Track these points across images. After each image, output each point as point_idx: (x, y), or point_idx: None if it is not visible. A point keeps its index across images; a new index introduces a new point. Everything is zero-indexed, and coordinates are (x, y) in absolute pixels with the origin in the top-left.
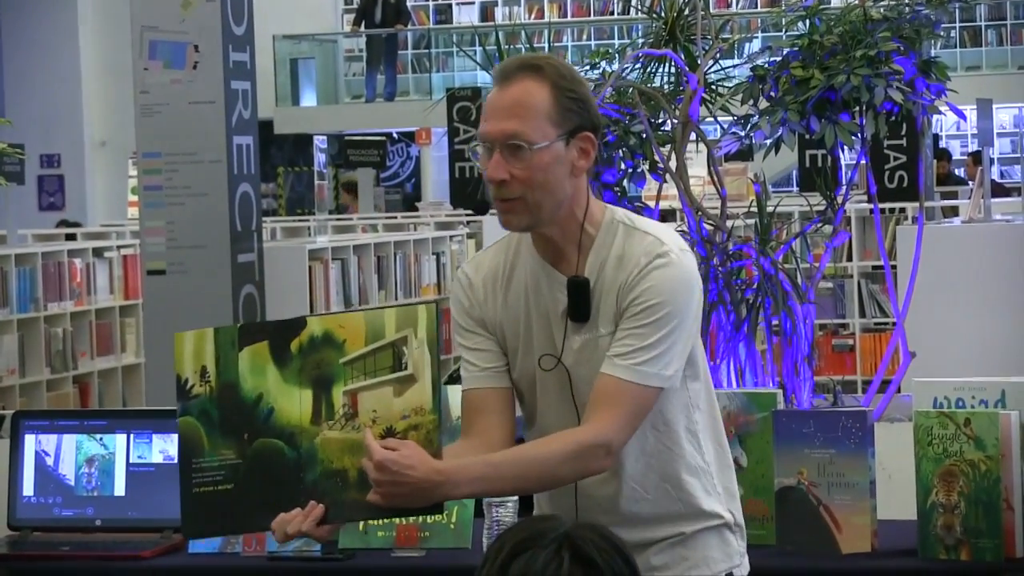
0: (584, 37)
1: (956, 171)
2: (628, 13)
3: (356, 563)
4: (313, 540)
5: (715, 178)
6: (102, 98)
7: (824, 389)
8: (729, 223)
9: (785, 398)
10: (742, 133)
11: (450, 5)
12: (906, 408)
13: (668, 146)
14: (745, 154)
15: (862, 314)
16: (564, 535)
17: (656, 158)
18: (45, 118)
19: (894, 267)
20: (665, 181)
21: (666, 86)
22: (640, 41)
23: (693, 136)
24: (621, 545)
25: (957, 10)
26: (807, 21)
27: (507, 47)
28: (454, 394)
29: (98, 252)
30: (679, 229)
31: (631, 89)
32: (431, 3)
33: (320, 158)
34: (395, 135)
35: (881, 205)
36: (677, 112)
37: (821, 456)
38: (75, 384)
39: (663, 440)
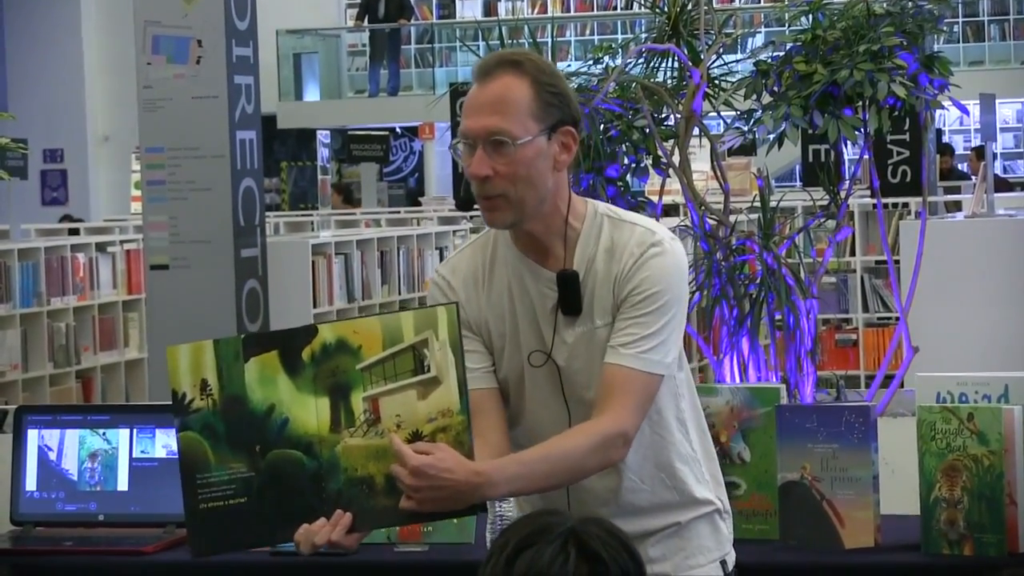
0: (587, 32)
1: (959, 166)
2: (631, 8)
3: (359, 558)
4: (341, 550)
5: (718, 173)
6: (105, 93)
7: (827, 384)
8: (732, 218)
9: (788, 393)
10: (745, 128)
11: (453, 0)
12: (909, 403)
13: (671, 141)
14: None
15: (865, 309)
16: (570, 530)
17: (659, 153)
18: (48, 113)
19: (897, 262)
20: (668, 176)
21: (669, 81)
22: (643, 36)
23: (696, 131)
24: (626, 540)
25: (960, 5)
26: (810, 16)
27: (510, 42)
28: None
29: (101, 247)
30: (682, 224)
31: (634, 84)
32: None
33: (323, 153)
34: (398, 130)
35: (884, 200)
36: (680, 107)
37: (824, 451)
38: (78, 379)
39: (656, 429)
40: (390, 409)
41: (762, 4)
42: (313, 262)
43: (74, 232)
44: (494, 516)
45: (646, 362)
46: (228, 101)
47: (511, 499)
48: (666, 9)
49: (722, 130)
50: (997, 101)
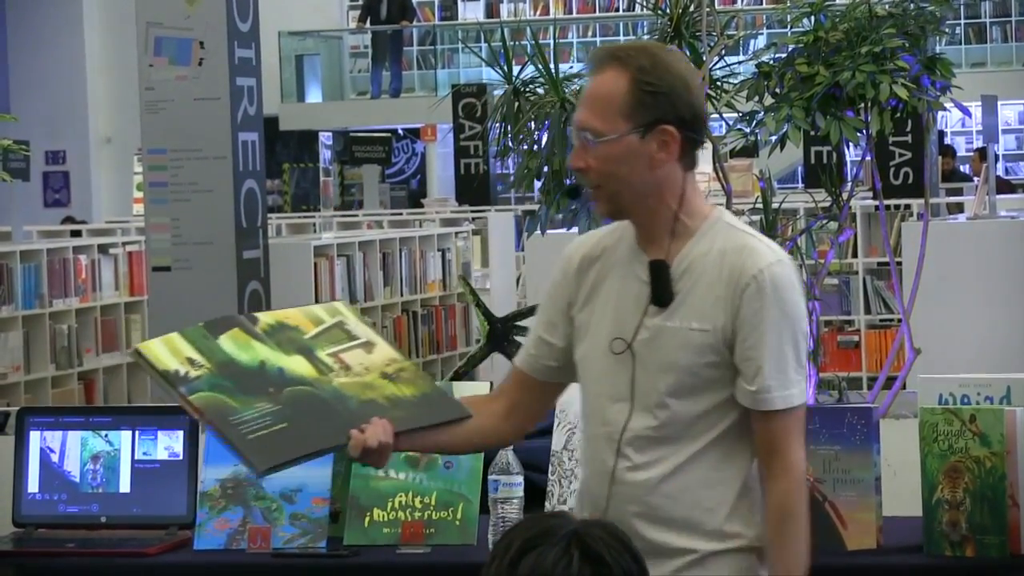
0: (589, 33)
1: (961, 167)
2: (633, 9)
3: (361, 560)
4: (381, 459)
5: (720, 174)
6: (107, 94)
7: (829, 385)
8: None
9: None
10: (747, 129)
11: (455, 1)
12: (911, 404)
13: None
14: (750, 150)
15: (867, 311)
16: (573, 532)
17: None
18: (50, 115)
19: (899, 263)
20: None
21: None
22: (645, 37)
23: None
24: (630, 543)
25: (962, 6)
26: (812, 17)
27: (512, 43)
28: (457, 392)
29: (103, 248)
30: None
31: None
32: None
33: (325, 154)
34: (400, 131)
35: (886, 201)
36: None
37: (826, 452)
38: (80, 381)
39: (728, 460)
40: (353, 360)
41: (764, 6)
42: (315, 264)
43: (76, 234)
44: (496, 518)
45: (790, 398)
46: (230, 103)
47: (515, 502)
48: (668, 11)
49: (724, 132)
50: (999, 103)
